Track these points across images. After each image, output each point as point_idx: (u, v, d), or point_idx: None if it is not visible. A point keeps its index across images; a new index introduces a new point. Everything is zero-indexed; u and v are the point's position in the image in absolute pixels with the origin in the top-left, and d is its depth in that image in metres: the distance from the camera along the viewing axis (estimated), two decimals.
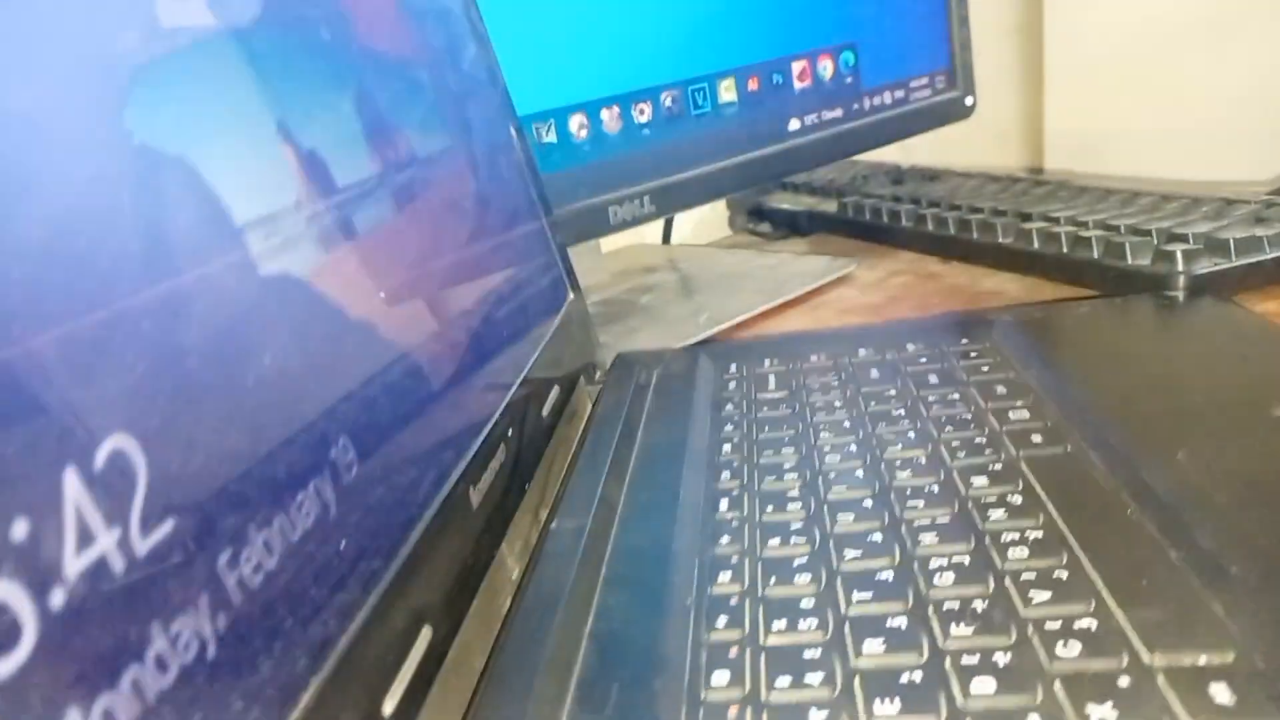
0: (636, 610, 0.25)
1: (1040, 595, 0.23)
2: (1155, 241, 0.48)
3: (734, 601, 0.25)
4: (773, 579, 0.26)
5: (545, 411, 0.36)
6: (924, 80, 0.72)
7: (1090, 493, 0.28)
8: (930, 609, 0.23)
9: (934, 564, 0.25)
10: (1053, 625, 0.22)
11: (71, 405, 0.14)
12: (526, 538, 0.29)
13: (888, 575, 0.25)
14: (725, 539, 0.28)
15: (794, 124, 0.64)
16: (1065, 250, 0.51)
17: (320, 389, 0.22)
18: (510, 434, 0.31)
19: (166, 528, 0.15)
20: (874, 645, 0.22)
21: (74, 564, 0.13)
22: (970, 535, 0.26)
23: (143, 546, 0.15)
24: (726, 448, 0.35)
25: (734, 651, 0.23)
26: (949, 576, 0.25)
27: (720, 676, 0.22)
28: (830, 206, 0.76)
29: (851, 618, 0.24)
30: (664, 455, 0.34)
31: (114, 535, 0.14)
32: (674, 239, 0.82)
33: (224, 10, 0.23)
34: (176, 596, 0.15)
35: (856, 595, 0.24)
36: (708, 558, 0.27)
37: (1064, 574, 0.24)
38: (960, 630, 0.22)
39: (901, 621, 0.23)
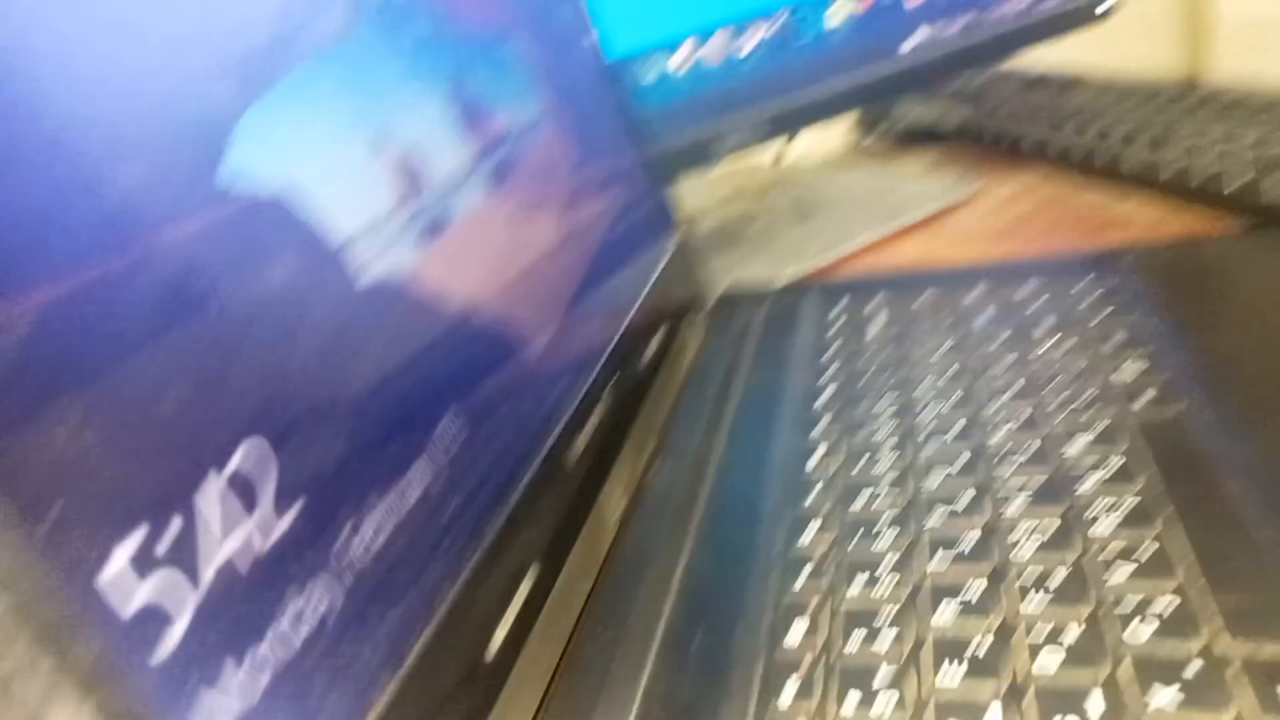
0: (724, 561, 0.27)
1: (1123, 570, 0.23)
2: None
3: (817, 558, 0.26)
4: (857, 537, 0.27)
5: (646, 359, 0.37)
6: None
7: (1196, 461, 0.27)
8: (1009, 578, 0.24)
9: (1019, 531, 0.26)
10: (1132, 599, 0.22)
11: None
12: (626, 484, 0.31)
13: (971, 539, 0.26)
14: (814, 494, 0.29)
15: (909, 42, 0.61)
16: (1206, 176, 0.48)
17: (429, 367, 0.23)
18: (612, 385, 0.33)
19: (298, 505, 0.18)
20: (947, 612, 0.23)
21: (225, 544, 0.16)
22: (1063, 500, 0.26)
23: (279, 525, 0.17)
24: (823, 397, 0.35)
25: (812, 607, 0.24)
26: (1032, 545, 0.25)
27: (797, 631, 0.24)
28: (958, 117, 0.73)
29: (929, 583, 0.24)
30: (760, 406, 0.35)
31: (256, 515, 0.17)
32: (788, 154, 0.80)
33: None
34: (307, 564, 0.18)
35: (940, 553, 0.25)
36: (796, 513, 0.28)
37: (1152, 548, 0.24)
38: (1035, 600, 0.23)
39: (979, 588, 0.24)
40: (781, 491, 0.30)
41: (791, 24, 0.57)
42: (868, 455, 0.31)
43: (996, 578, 0.24)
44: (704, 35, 0.55)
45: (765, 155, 0.80)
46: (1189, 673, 0.20)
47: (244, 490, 0.17)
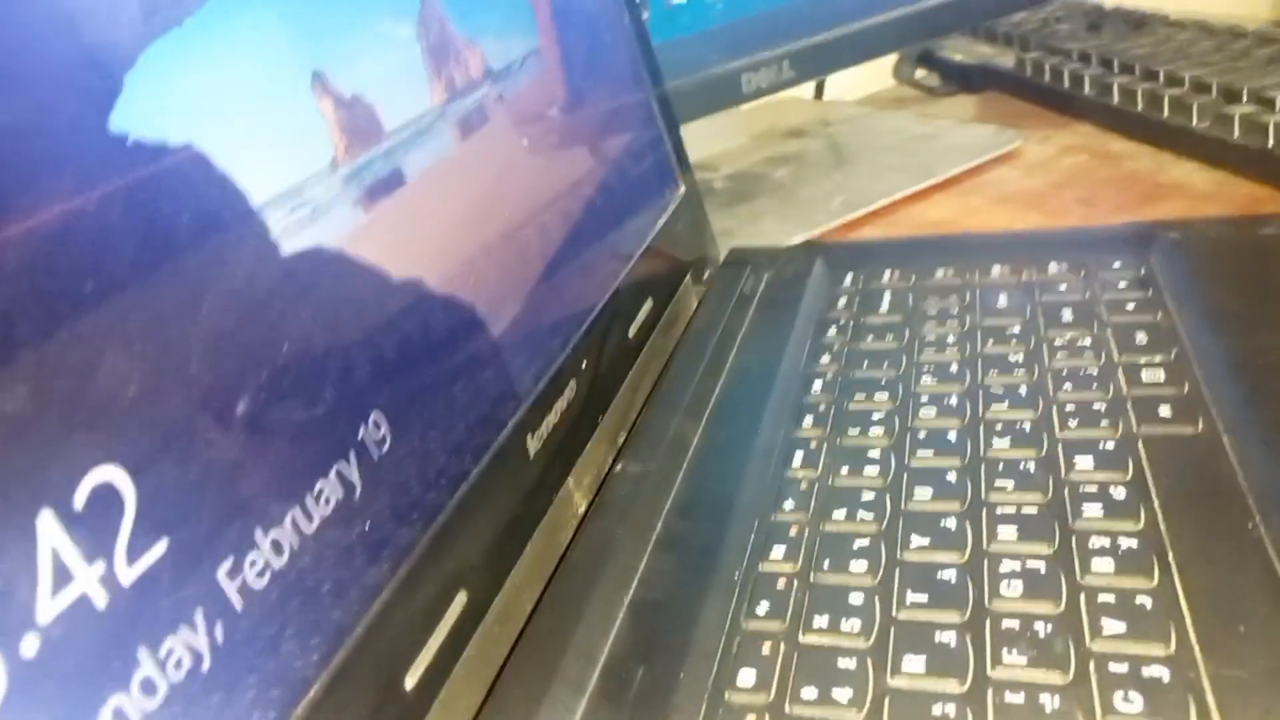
0: (682, 579, 0.25)
1: (1114, 626, 0.21)
2: None
3: (780, 585, 0.24)
4: (826, 562, 0.25)
5: (632, 332, 0.34)
6: None
7: (1209, 493, 0.24)
8: (987, 626, 0.22)
9: (1005, 568, 0.23)
10: (1118, 668, 0.20)
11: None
12: (590, 482, 0.29)
13: (950, 575, 0.23)
14: (789, 503, 0.27)
15: None
16: (1271, 145, 0.44)
17: (362, 350, 0.21)
18: (585, 366, 0.30)
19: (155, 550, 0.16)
20: (914, 663, 0.21)
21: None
22: (1054, 535, 0.24)
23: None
24: (817, 385, 0.32)
25: (768, 647, 0.22)
26: (1017, 586, 0.23)
27: (747, 676, 0.22)
28: (1008, 61, 0.68)
29: (899, 623, 0.22)
30: (750, 389, 0.33)
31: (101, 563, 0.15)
32: (829, 88, 0.76)
33: None
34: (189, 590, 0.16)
35: (911, 596, 0.23)
36: (767, 525, 0.26)
37: (1148, 601, 0.21)
38: (1012, 658, 0.21)
39: (950, 638, 0.22)
40: (757, 494, 0.27)
41: None
42: (854, 458, 0.28)
43: (974, 625, 0.22)
44: None
45: (805, 89, 0.75)
46: None
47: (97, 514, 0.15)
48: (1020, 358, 0.32)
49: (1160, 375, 0.29)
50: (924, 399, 0.30)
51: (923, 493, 0.26)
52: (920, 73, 0.76)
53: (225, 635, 0.17)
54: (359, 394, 0.21)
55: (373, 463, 0.21)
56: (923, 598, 0.23)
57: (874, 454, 0.28)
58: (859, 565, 0.24)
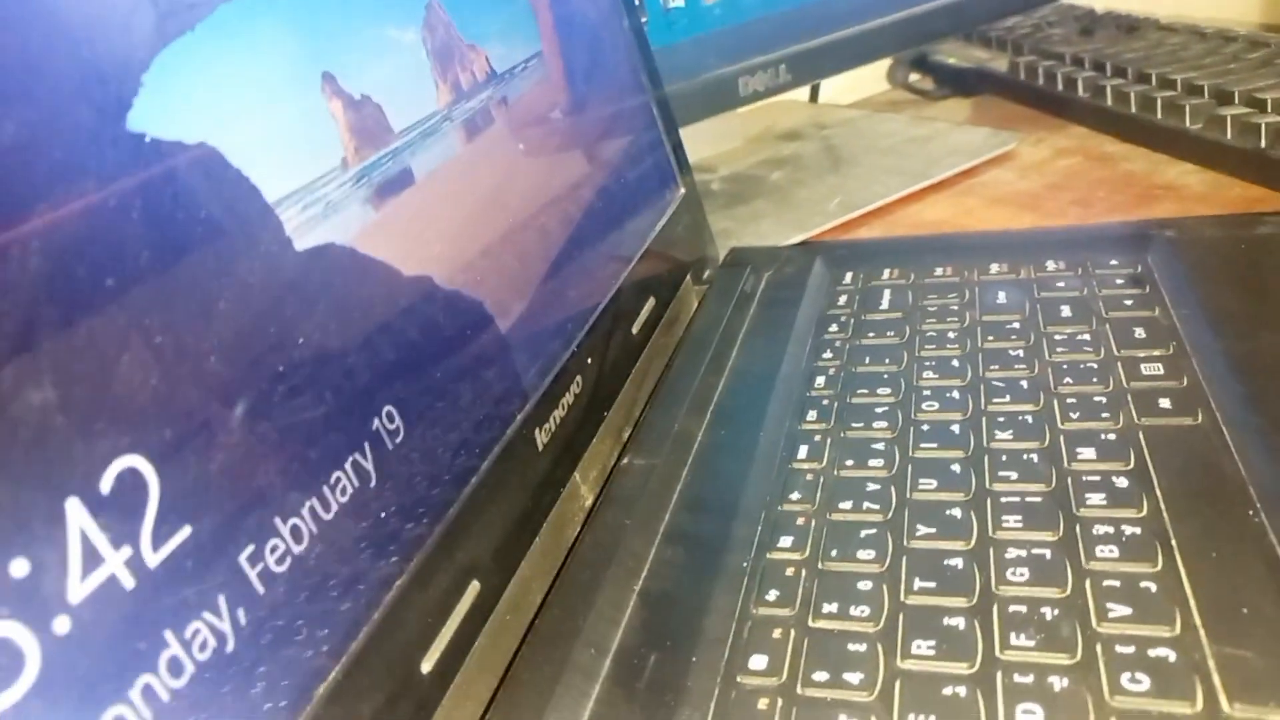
0: (690, 569, 0.25)
1: (1119, 609, 0.21)
2: None
3: (789, 572, 0.24)
4: (834, 551, 0.25)
5: (636, 329, 0.35)
6: None
7: (1210, 481, 0.25)
8: (995, 610, 0.22)
9: (1010, 554, 0.24)
10: (1124, 649, 0.20)
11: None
12: (597, 475, 0.29)
13: (957, 562, 0.24)
14: (796, 495, 0.27)
15: None
16: (1264, 146, 0.44)
17: (373, 347, 0.22)
18: (590, 363, 0.31)
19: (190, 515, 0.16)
20: (923, 646, 0.21)
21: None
22: (1058, 522, 0.24)
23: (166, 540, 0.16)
24: (820, 380, 0.33)
25: (779, 632, 0.23)
26: (1023, 572, 0.23)
27: (759, 660, 0.22)
28: (1001, 64, 0.69)
29: (907, 608, 0.23)
30: (753, 385, 0.33)
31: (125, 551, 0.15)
32: (824, 92, 0.76)
33: None
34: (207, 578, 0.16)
35: (918, 582, 0.23)
36: (774, 516, 0.27)
37: (1152, 585, 0.22)
38: (1020, 641, 0.21)
39: (959, 622, 0.22)
40: (763, 487, 0.28)
41: None
42: (858, 450, 0.29)
43: (981, 610, 0.22)
44: None
45: (800, 92, 0.76)
46: None
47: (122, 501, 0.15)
48: (1020, 352, 0.32)
49: (1159, 369, 0.30)
50: (926, 393, 0.31)
51: (927, 483, 0.27)
52: (914, 77, 0.76)
53: (249, 618, 0.17)
54: (371, 387, 0.21)
55: (387, 454, 0.21)
56: (930, 583, 0.23)
57: (878, 446, 0.29)
58: (866, 553, 0.24)
